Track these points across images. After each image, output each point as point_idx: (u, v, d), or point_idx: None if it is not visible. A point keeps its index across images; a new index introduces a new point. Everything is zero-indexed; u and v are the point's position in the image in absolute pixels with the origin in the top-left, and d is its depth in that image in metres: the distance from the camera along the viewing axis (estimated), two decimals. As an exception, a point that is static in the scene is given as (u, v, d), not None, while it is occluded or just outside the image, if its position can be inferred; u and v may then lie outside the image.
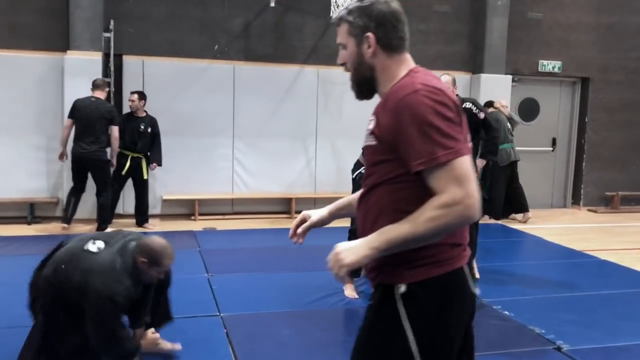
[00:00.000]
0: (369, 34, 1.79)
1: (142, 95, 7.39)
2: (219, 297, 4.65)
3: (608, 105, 9.77)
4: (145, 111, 7.42)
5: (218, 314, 4.31)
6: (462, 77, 9.07)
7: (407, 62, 1.83)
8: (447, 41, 9.09)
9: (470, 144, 1.75)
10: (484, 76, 8.98)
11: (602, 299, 4.90)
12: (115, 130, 6.90)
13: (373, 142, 1.78)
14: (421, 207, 1.63)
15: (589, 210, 9.80)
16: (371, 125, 1.79)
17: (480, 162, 5.85)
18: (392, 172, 1.73)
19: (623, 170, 9.98)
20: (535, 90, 9.73)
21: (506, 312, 4.47)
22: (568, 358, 3.71)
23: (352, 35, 1.82)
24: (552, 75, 9.64)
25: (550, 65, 9.52)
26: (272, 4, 8.17)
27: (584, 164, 9.87)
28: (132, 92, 7.40)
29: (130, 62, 7.91)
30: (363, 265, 1.74)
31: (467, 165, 1.64)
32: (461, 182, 1.60)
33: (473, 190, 1.61)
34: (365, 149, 1.84)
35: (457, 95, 5.76)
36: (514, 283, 5.38)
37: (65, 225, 6.95)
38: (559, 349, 3.83)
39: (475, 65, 9.17)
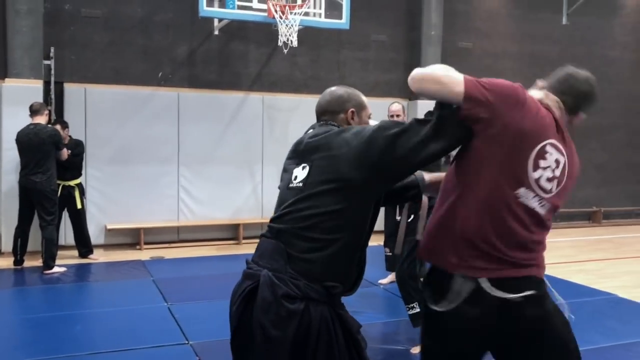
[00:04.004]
0: None
1: (65, 124, 7.11)
2: (184, 326, 4.63)
3: (533, 129, 10.42)
4: (70, 136, 7.17)
5: (187, 342, 4.30)
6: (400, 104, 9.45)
7: None
8: (384, 69, 9.47)
9: None
10: (420, 102, 9.39)
11: (548, 310, 5.23)
12: (63, 154, 6.67)
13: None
14: None
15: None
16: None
17: None
18: None
19: (548, 189, 10.64)
20: None
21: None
22: (528, 366, 3.95)
23: None
24: (482, 100, 10.20)
25: (480, 91, 10.08)
26: (216, 32, 8.27)
27: (513, 184, 10.46)
28: (54, 123, 7.06)
29: (72, 90, 7.76)
30: None
31: None
32: None
33: None
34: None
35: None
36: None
37: (18, 267, 6.65)
38: (518, 358, 4.07)
39: (411, 92, 9.54)
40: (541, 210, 2.04)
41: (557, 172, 2.05)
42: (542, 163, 2.01)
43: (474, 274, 1.99)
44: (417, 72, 2.09)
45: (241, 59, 8.62)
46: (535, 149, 2.01)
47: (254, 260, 2.14)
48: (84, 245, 7.33)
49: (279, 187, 2.29)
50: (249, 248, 8.13)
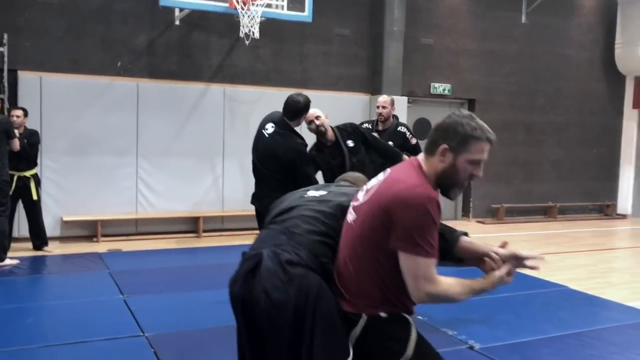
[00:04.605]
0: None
1: (26, 112, 6.94)
2: (140, 318, 4.56)
3: (492, 125, 10.29)
4: (25, 126, 6.98)
5: (142, 334, 4.24)
6: (362, 98, 9.52)
7: None
8: (348, 64, 9.50)
9: None
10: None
11: (502, 301, 5.34)
12: (15, 143, 6.43)
13: None
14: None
15: (477, 221, 10.57)
16: None
17: None
18: None
19: (506, 184, 10.87)
20: (428, 111, 10.37)
21: (420, 317, 4.76)
22: (481, 355, 4.04)
23: None
24: (442, 97, 10.34)
25: (441, 87, 10.22)
26: (177, 22, 8.16)
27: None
28: (16, 108, 6.90)
29: (27, 78, 7.55)
30: None
31: None
32: None
33: None
34: None
35: (394, 116, 6.00)
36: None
37: None
38: (471, 347, 4.16)
39: (373, 87, 9.64)
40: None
41: (369, 186, 2.21)
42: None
43: None
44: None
45: (202, 50, 8.53)
46: None
47: (253, 247, 2.31)
48: (38, 237, 7.16)
49: None
50: (209, 241, 8.11)
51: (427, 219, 1.94)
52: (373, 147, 4.98)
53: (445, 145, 2.02)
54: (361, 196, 2.19)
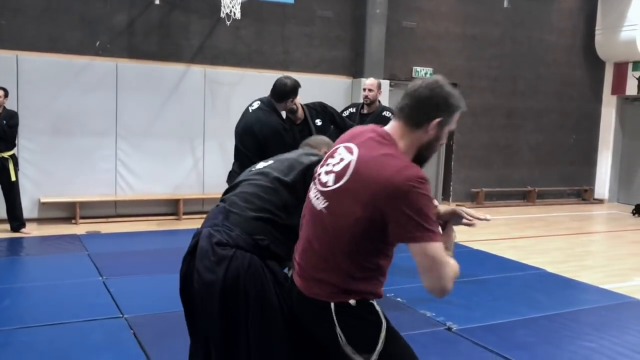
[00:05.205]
0: None
1: (6, 92, 6.87)
2: (119, 300, 4.55)
3: (473, 110, 10.66)
4: (4, 107, 6.90)
5: (121, 315, 4.23)
6: (344, 81, 9.49)
7: None
8: (330, 46, 9.45)
9: None
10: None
11: (480, 284, 5.43)
12: None
13: None
14: None
15: (457, 205, 10.60)
16: None
17: None
18: None
19: (486, 168, 10.96)
20: None
21: (399, 299, 4.81)
22: (458, 336, 4.10)
23: None
24: (424, 80, 10.33)
25: (423, 71, 10.23)
26: (157, 2, 8.03)
27: (452, 163, 10.71)
28: None
29: (3, 57, 7.41)
30: None
31: None
32: None
33: None
34: None
35: (379, 101, 5.99)
36: (401, 273, 5.76)
37: None
38: (449, 329, 4.22)
39: (355, 70, 9.61)
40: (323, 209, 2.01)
41: (337, 168, 2.00)
42: (329, 160, 2.06)
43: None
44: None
45: (183, 30, 8.42)
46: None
47: (202, 226, 2.37)
48: (15, 219, 7.09)
49: None
50: (189, 224, 8.05)
51: (426, 200, 1.83)
52: (340, 128, 4.96)
53: (439, 118, 1.94)
54: (329, 179, 2.00)
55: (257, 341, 2.15)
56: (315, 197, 2.05)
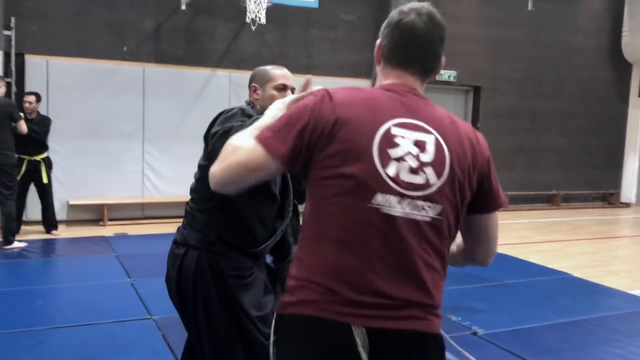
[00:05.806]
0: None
1: (39, 97, 6.98)
2: (147, 301, 4.63)
3: (497, 112, 10.62)
4: (38, 112, 7.00)
5: (150, 317, 4.31)
6: (367, 85, 9.50)
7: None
8: (353, 50, 9.48)
9: None
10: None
11: (506, 288, 5.40)
12: (21, 126, 6.42)
13: None
14: None
15: (481, 209, 10.57)
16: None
17: None
18: None
19: (510, 172, 10.87)
20: (433, 98, 9.81)
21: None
22: (484, 341, 4.10)
23: None
24: (448, 83, 10.32)
25: (446, 74, 10.20)
26: (183, 7, 8.14)
27: (476, 166, 10.62)
28: (28, 94, 6.91)
29: (33, 62, 7.57)
30: None
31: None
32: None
33: None
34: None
35: None
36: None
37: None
38: (475, 333, 4.21)
39: (379, 72, 9.60)
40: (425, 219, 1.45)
41: (426, 158, 1.46)
42: (394, 152, 1.44)
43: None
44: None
45: (208, 35, 8.52)
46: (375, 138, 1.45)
47: None
48: (49, 221, 7.20)
49: None
50: (214, 226, 8.16)
51: None
52: None
53: (444, 59, 1.60)
54: (422, 177, 1.44)
55: (208, 339, 2.31)
56: (405, 215, 1.43)
